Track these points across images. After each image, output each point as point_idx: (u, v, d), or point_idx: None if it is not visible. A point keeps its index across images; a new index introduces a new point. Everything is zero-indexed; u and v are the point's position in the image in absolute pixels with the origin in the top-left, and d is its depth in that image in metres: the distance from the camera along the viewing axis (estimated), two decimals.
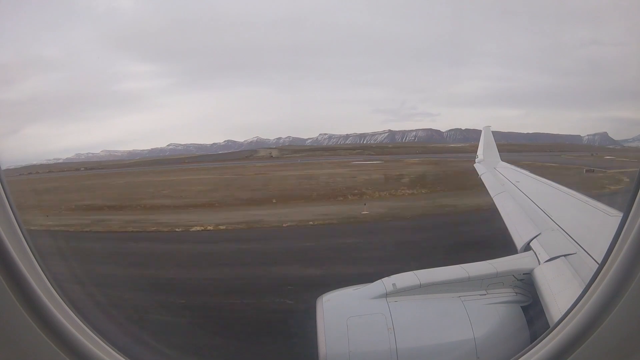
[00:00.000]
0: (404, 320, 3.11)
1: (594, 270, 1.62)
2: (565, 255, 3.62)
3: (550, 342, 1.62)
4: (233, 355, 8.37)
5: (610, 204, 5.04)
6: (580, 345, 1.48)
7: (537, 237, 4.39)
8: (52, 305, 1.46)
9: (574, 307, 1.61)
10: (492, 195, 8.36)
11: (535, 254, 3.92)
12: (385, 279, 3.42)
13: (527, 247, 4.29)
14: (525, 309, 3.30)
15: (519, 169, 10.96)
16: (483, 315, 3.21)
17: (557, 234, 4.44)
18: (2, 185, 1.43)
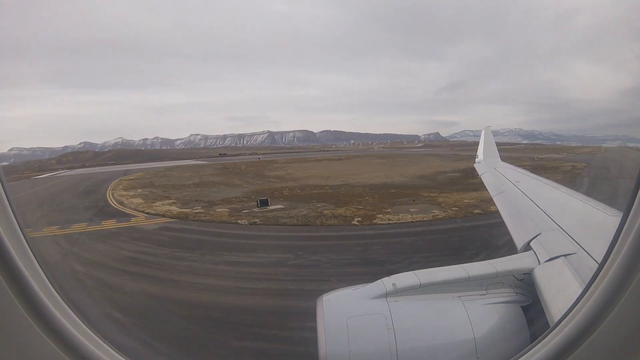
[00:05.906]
0: (404, 320, 3.10)
1: (594, 270, 1.61)
2: (565, 255, 3.61)
3: (550, 342, 1.62)
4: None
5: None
6: (580, 345, 1.48)
7: (537, 237, 4.39)
8: (52, 305, 1.46)
9: (574, 307, 1.61)
10: (492, 195, 8.37)
11: (535, 253, 3.91)
12: (385, 279, 3.42)
13: (527, 247, 4.29)
14: (525, 309, 3.29)
15: (519, 169, 10.96)
16: (483, 315, 3.21)
17: (557, 233, 4.43)
18: (2, 185, 1.43)
